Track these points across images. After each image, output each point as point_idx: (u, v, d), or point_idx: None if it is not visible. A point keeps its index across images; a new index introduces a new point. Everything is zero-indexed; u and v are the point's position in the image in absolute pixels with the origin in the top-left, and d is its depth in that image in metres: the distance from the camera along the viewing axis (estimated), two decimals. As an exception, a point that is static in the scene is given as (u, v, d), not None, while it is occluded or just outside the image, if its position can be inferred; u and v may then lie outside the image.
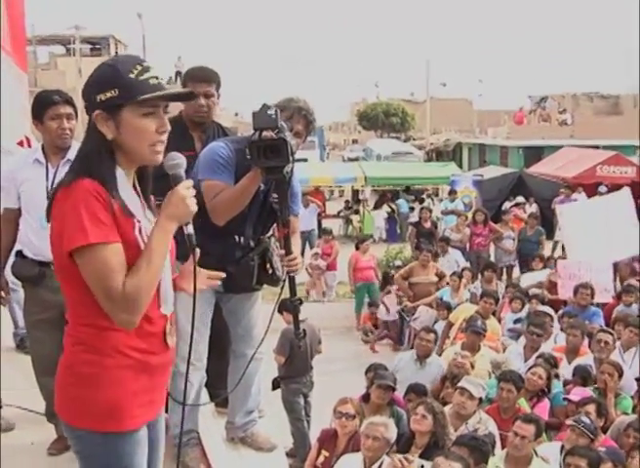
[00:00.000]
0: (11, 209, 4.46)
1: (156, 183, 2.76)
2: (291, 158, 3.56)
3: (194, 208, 2.48)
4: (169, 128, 2.55)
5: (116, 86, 2.45)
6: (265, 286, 4.20)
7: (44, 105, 4.29)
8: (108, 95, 2.46)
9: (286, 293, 4.02)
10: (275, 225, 4.10)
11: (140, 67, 2.47)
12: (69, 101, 4.33)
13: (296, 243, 3.98)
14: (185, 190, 2.48)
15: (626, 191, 12.92)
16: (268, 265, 4.05)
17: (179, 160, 2.53)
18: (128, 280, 2.40)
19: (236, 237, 3.96)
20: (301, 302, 4.01)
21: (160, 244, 2.45)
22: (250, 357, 4.17)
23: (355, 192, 28.26)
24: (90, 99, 2.50)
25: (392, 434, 5.75)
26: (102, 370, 2.54)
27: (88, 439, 2.61)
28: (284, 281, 4.01)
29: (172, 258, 2.73)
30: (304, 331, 4.19)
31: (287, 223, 3.83)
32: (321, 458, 6.32)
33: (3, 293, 4.71)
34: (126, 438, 2.61)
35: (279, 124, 3.55)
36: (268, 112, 3.54)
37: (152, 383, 2.65)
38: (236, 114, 54.97)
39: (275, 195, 3.88)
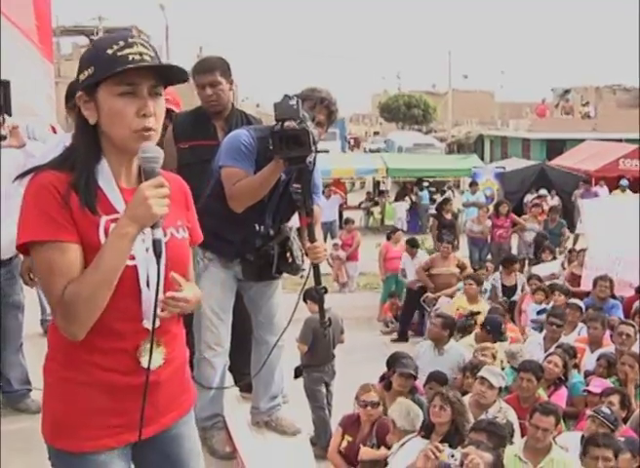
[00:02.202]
0: None
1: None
2: (313, 148, 3.59)
3: (158, 210, 2.12)
4: (152, 112, 2.23)
5: (92, 63, 2.21)
6: (288, 276, 4.24)
7: (76, 93, 4.35)
8: (86, 73, 2.23)
9: (309, 283, 4.07)
10: (297, 215, 4.15)
11: (122, 43, 2.19)
12: None
13: (318, 232, 4.00)
14: (150, 189, 2.12)
15: None
16: (288, 254, 4.08)
17: (153, 153, 2.20)
18: (70, 285, 2.13)
19: (256, 226, 3.99)
20: (326, 291, 4.05)
21: (113, 248, 2.13)
22: (271, 344, 4.23)
23: (377, 184, 28.28)
24: (77, 81, 2.29)
25: (396, 417, 5.95)
26: (55, 380, 2.35)
27: (49, 450, 2.42)
28: (304, 269, 4.05)
29: (182, 268, 2.44)
30: (329, 319, 4.24)
31: (311, 212, 3.86)
32: (344, 443, 6.41)
33: (31, 275, 4.81)
34: (75, 460, 2.33)
35: (301, 114, 3.58)
36: (290, 103, 3.58)
37: (121, 406, 2.32)
38: (258, 105, 55.03)
39: (296, 185, 3.90)
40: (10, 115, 4.87)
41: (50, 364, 2.36)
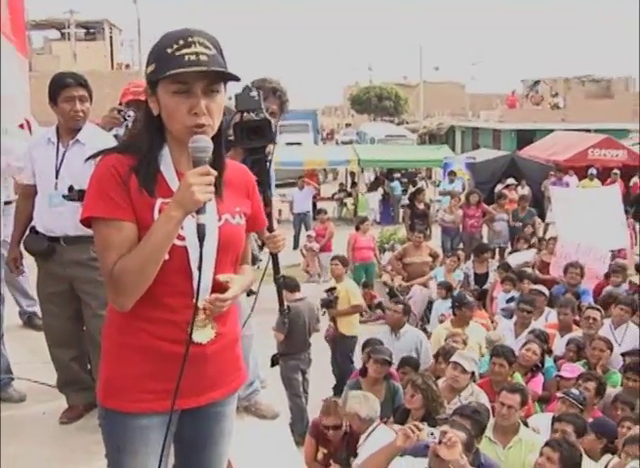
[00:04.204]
0: (29, 185, 4.58)
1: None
2: (273, 138, 3.65)
3: (201, 196, 2.21)
4: (204, 111, 2.31)
5: (155, 60, 2.33)
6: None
7: (58, 88, 4.37)
8: (150, 69, 2.35)
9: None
10: None
11: (182, 42, 2.28)
12: (83, 84, 4.40)
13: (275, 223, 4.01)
14: (194, 177, 2.22)
15: (616, 187, 13.40)
16: None
17: (201, 143, 2.29)
18: (120, 260, 2.29)
19: None
20: (284, 279, 4.11)
21: (159, 229, 2.26)
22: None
23: (352, 175, 28.38)
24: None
25: (358, 409, 5.92)
26: (111, 345, 2.51)
27: (99, 411, 2.60)
28: (262, 260, 4.10)
29: (233, 252, 2.56)
30: (289, 307, 4.30)
31: (269, 202, 3.86)
32: (320, 455, 6.35)
33: (17, 265, 4.88)
34: (120, 419, 2.49)
35: (262, 105, 3.63)
36: (251, 94, 3.62)
37: (169, 373, 2.40)
38: (230, 98, 54.67)
39: None
40: None
41: (107, 330, 2.54)
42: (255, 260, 4.16)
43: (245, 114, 3.61)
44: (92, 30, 44.85)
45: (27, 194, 4.60)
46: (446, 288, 11.11)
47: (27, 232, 4.64)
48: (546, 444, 5.07)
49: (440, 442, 4.36)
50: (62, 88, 4.38)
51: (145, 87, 2.40)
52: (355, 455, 5.94)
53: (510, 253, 14.43)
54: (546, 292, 9.79)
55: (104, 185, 2.33)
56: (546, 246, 12.91)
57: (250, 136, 3.59)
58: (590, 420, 6.00)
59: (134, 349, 2.45)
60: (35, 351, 5.46)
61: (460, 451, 4.41)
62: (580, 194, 15.15)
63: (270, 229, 3.90)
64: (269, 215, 3.92)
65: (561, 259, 11.31)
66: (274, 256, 3.97)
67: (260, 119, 3.58)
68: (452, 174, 20.81)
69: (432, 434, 4.40)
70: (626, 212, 14.24)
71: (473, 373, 6.70)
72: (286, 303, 4.26)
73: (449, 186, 19.97)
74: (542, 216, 18.47)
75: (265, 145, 3.68)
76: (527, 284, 10.46)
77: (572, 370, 7.08)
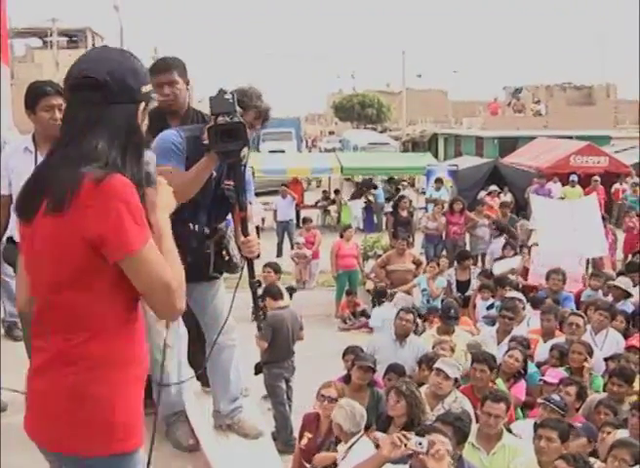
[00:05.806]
0: (3, 195, 4.55)
1: None
2: (248, 141, 3.64)
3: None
4: None
5: (149, 82, 2.45)
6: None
7: (36, 96, 4.38)
8: (148, 89, 2.41)
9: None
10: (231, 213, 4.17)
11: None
12: (61, 92, 4.40)
13: (251, 228, 4.03)
14: (168, 185, 2.57)
15: (594, 197, 13.74)
16: (225, 252, 4.10)
17: (148, 158, 2.48)
18: (170, 269, 2.33)
19: (190, 225, 3.98)
20: (260, 284, 4.10)
21: (169, 233, 2.46)
22: (222, 344, 4.19)
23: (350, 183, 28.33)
24: (131, 88, 2.33)
25: (342, 421, 5.82)
26: (114, 386, 2.32)
27: (95, 464, 2.36)
28: (242, 267, 4.08)
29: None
30: (264, 311, 4.27)
31: (244, 207, 3.88)
32: (304, 440, 6.38)
33: None
34: (129, 459, 2.38)
35: (236, 108, 3.61)
36: (225, 97, 3.60)
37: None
38: (200, 101, 54.70)
39: (227, 182, 3.95)
40: None
41: (92, 374, 2.31)
42: (236, 268, 4.15)
43: (219, 117, 3.60)
44: (74, 38, 44.77)
45: (4, 204, 4.54)
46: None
47: (5, 243, 4.61)
48: (561, 457, 5.04)
49: (427, 452, 4.27)
50: (42, 96, 4.37)
51: (144, 107, 2.43)
52: None
53: (496, 259, 14.47)
54: (522, 298, 9.87)
55: (138, 209, 2.25)
56: (529, 252, 12.97)
57: (224, 139, 3.58)
58: (577, 424, 6.02)
59: (132, 381, 2.38)
60: (16, 361, 5.42)
61: (448, 463, 4.36)
62: (560, 204, 15.29)
63: (245, 234, 3.89)
64: (244, 220, 3.92)
65: (538, 267, 11.38)
66: (249, 261, 3.98)
67: (235, 122, 3.57)
68: (438, 181, 20.82)
69: (420, 444, 4.31)
70: (605, 219, 14.41)
71: (457, 380, 6.71)
72: (283, 313, 4.23)
73: (435, 194, 20.00)
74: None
75: (240, 149, 3.66)
76: (508, 290, 10.50)
77: (555, 375, 7.10)
